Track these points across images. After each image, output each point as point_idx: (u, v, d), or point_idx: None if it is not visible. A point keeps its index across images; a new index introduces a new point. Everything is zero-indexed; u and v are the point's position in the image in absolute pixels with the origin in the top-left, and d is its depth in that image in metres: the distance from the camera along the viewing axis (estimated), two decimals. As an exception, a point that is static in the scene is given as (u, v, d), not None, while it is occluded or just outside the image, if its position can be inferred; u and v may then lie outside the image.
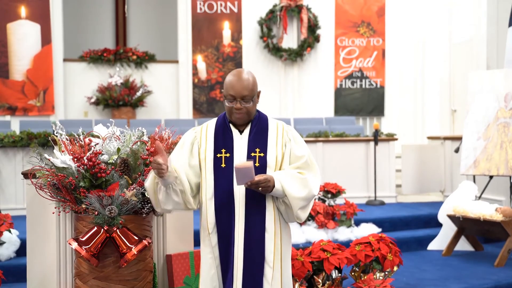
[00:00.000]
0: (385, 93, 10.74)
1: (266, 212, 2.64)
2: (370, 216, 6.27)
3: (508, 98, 6.09)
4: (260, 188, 2.55)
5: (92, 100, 9.99)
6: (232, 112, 2.66)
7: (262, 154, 2.66)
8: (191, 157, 2.71)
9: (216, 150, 2.68)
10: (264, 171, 2.63)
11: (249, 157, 2.65)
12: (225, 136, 2.70)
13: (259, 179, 2.52)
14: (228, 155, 2.66)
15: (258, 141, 2.68)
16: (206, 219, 2.66)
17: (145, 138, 3.25)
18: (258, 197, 2.62)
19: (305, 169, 2.68)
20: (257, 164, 2.63)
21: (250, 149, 2.67)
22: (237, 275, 2.59)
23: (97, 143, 3.15)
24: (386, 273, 4.07)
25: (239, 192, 2.62)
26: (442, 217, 5.92)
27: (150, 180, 2.70)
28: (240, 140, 2.69)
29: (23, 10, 9.62)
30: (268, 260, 2.62)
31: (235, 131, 2.71)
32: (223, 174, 2.64)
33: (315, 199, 5.90)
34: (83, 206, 2.92)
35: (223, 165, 2.65)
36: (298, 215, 2.66)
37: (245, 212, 2.61)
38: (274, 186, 2.57)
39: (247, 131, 2.71)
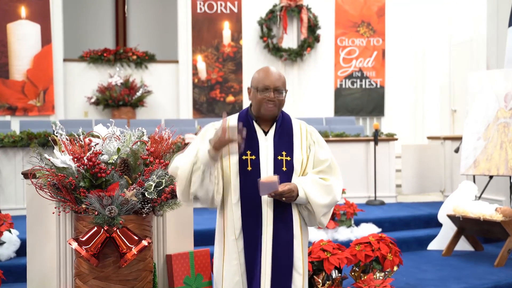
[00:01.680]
0: (385, 93, 10.74)
1: (293, 217, 2.60)
2: (370, 216, 6.27)
3: (508, 98, 6.09)
4: (284, 198, 2.51)
5: (92, 100, 9.99)
6: (263, 103, 2.59)
7: (288, 158, 2.61)
8: None
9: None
10: (291, 175, 2.58)
11: (275, 160, 2.59)
12: (249, 136, 2.59)
13: (283, 190, 2.48)
14: (253, 157, 2.59)
15: (284, 143, 2.63)
16: (232, 224, 2.58)
17: (145, 138, 3.25)
18: (285, 202, 2.57)
19: (328, 173, 2.64)
20: (284, 169, 2.58)
21: (277, 152, 2.61)
22: (265, 282, 2.53)
23: (97, 143, 3.15)
24: (386, 273, 4.07)
25: (266, 196, 2.56)
26: (442, 217, 5.92)
27: (188, 159, 2.51)
28: (266, 142, 2.63)
29: (23, 10, 9.63)
30: (296, 266, 2.58)
31: (259, 131, 2.65)
32: (250, 178, 2.56)
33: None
34: (83, 206, 2.92)
35: (249, 168, 2.57)
36: (321, 221, 2.63)
37: (273, 218, 2.56)
38: (298, 195, 2.53)
39: (271, 132, 2.65)
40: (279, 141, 2.63)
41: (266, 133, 2.66)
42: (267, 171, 2.57)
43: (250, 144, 2.60)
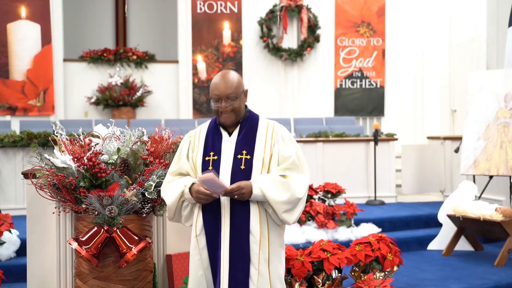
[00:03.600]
0: (385, 93, 10.74)
1: (251, 214, 2.63)
2: (370, 216, 6.27)
3: (508, 98, 6.09)
4: (236, 197, 2.56)
5: (92, 100, 9.99)
6: (219, 112, 2.67)
7: (248, 157, 2.65)
8: (189, 164, 2.74)
9: (205, 153, 2.69)
10: (249, 173, 2.63)
11: (235, 159, 2.65)
12: (214, 138, 2.71)
13: (232, 188, 2.54)
14: (215, 157, 2.67)
15: (246, 142, 2.68)
16: (195, 221, 2.69)
17: (145, 138, 3.26)
18: (243, 200, 2.63)
19: (292, 169, 2.66)
20: (242, 167, 2.63)
21: (237, 151, 2.67)
22: (223, 277, 2.59)
23: (97, 143, 3.16)
24: (386, 273, 4.07)
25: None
26: (442, 217, 5.92)
27: (174, 197, 2.70)
28: (229, 143, 2.70)
29: (23, 10, 9.63)
30: (253, 261, 2.61)
31: (224, 133, 2.72)
32: None
33: (315, 199, 5.91)
34: (83, 206, 2.93)
35: (210, 168, 2.65)
36: (284, 219, 2.65)
37: (230, 215, 2.62)
38: (251, 192, 2.58)
39: (236, 132, 2.71)
40: (241, 140, 2.69)
41: (230, 134, 2.72)
42: (226, 170, 2.64)
43: (214, 146, 2.69)
